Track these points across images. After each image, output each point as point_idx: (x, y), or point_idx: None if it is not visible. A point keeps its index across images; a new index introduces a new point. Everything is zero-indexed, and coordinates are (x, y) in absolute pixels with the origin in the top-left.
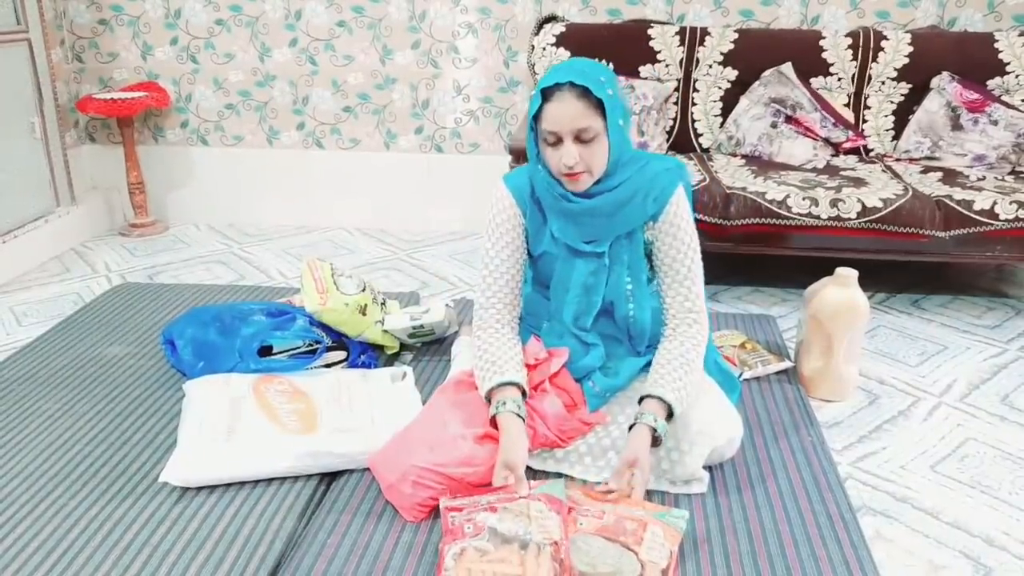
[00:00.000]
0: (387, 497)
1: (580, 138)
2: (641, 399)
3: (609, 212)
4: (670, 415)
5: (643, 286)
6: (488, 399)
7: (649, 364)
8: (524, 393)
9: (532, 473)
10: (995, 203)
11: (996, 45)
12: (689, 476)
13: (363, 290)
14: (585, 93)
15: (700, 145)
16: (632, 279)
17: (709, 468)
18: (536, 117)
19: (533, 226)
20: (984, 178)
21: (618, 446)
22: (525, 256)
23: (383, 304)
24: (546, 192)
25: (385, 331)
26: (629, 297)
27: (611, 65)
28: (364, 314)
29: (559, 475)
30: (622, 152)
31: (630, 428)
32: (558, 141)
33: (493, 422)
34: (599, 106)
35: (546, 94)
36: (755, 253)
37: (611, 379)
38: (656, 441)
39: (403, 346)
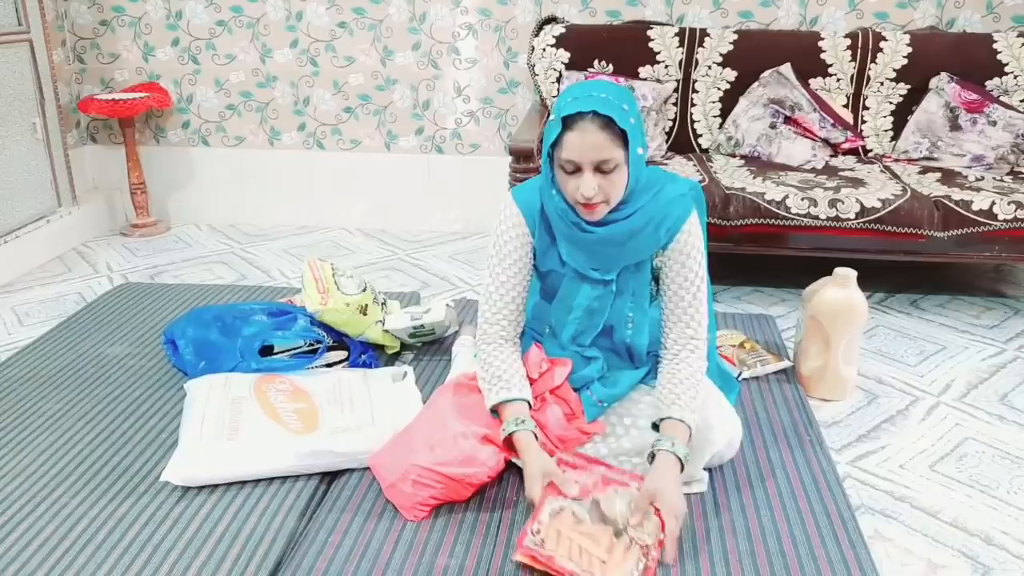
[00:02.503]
0: (387, 497)
1: (600, 169)
2: (657, 421)
3: (620, 242)
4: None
5: (644, 312)
6: (494, 411)
7: (647, 374)
8: (530, 405)
9: None
10: (993, 203)
11: (995, 46)
12: (688, 478)
13: (364, 290)
14: (608, 123)
15: (699, 146)
16: (634, 306)
17: (708, 468)
18: (554, 144)
19: (542, 245)
20: (982, 178)
21: (615, 453)
22: (531, 272)
23: (383, 304)
24: (558, 217)
25: (386, 331)
26: (629, 323)
27: (611, 66)
28: (365, 314)
29: None
30: (639, 179)
31: (651, 458)
32: (577, 170)
33: (508, 440)
34: (622, 136)
35: (567, 122)
36: (754, 253)
37: (609, 388)
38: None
39: (403, 346)
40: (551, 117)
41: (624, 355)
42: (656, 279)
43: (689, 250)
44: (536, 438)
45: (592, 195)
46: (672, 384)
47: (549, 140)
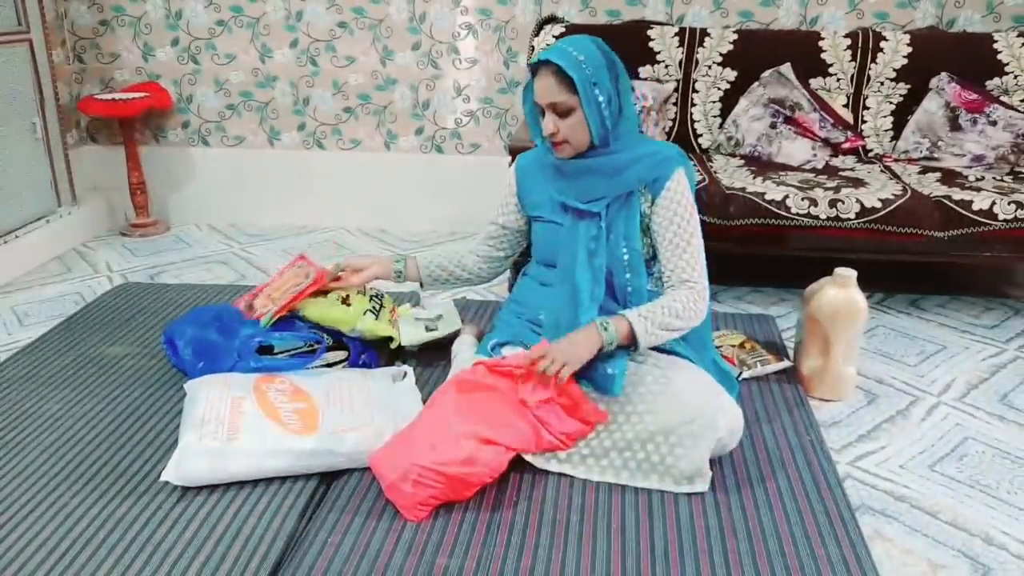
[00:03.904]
0: (388, 496)
1: (557, 111)
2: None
3: (606, 172)
4: (633, 342)
5: (638, 257)
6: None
7: None
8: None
9: (534, 472)
10: (994, 203)
11: (995, 46)
12: (693, 471)
13: None
14: (559, 71)
15: (699, 146)
16: (628, 249)
17: (712, 460)
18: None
19: (534, 195)
20: (983, 178)
21: (619, 446)
22: (516, 217)
23: (373, 297)
24: (547, 154)
25: (400, 346)
26: (626, 266)
27: None
28: (347, 304)
29: (560, 475)
30: (610, 127)
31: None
32: (543, 112)
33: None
34: (572, 82)
35: (532, 71)
36: (754, 253)
37: (620, 357)
38: (600, 351)
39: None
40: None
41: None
42: (647, 232)
43: (679, 198)
44: (399, 273)
45: (552, 131)
46: (649, 302)
47: (525, 88)
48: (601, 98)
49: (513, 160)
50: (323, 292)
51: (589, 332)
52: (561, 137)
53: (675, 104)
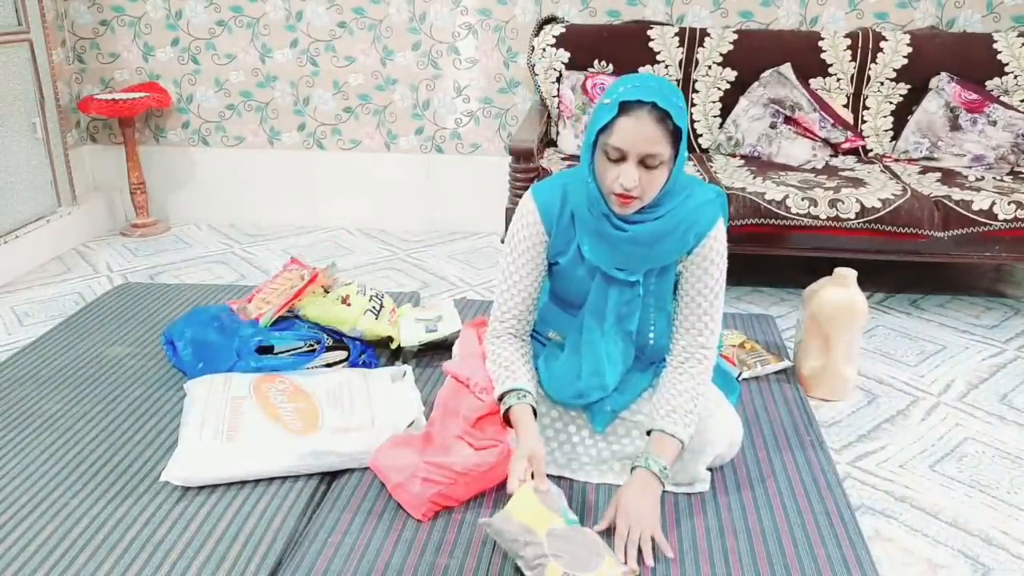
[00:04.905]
0: (394, 496)
1: (645, 163)
2: (649, 431)
3: (648, 243)
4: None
5: (666, 316)
6: (500, 400)
7: (655, 376)
8: (534, 399)
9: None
10: (994, 203)
11: (995, 46)
12: (692, 478)
13: (347, 283)
14: (665, 118)
15: (699, 146)
16: (656, 309)
17: (710, 469)
18: (602, 128)
19: (560, 242)
20: (983, 178)
21: (619, 456)
22: (545, 272)
23: (373, 297)
24: (587, 207)
25: (399, 347)
26: (651, 327)
27: (611, 66)
28: (347, 304)
29: (560, 477)
30: (675, 182)
31: (632, 468)
32: (621, 159)
33: (507, 419)
34: (674, 134)
35: (623, 108)
36: (754, 253)
37: (622, 395)
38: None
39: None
40: (604, 101)
41: (639, 354)
42: (674, 286)
43: (713, 256)
44: (535, 413)
45: (632, 187)
46: (671, 395)
47: (598, 124)
48: (686, 152)
49: (511, 158)
50: (324, 290)
51: (650, 483)
52: (639, 191)
53: None
